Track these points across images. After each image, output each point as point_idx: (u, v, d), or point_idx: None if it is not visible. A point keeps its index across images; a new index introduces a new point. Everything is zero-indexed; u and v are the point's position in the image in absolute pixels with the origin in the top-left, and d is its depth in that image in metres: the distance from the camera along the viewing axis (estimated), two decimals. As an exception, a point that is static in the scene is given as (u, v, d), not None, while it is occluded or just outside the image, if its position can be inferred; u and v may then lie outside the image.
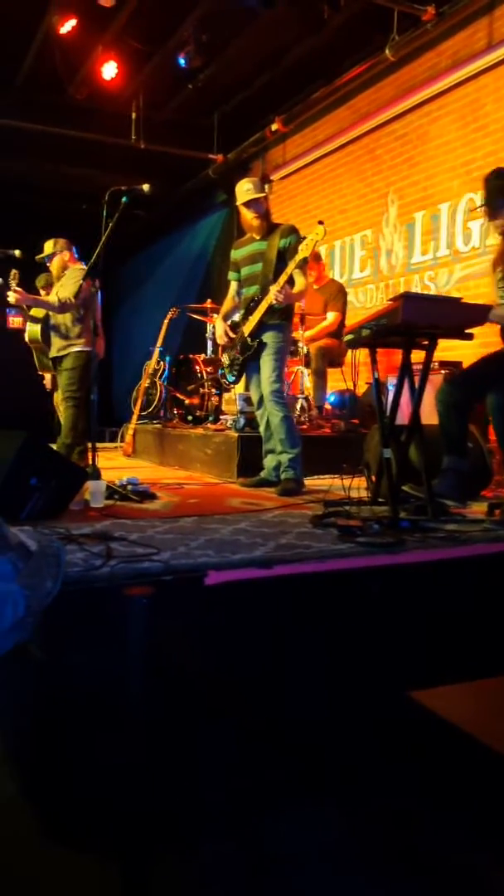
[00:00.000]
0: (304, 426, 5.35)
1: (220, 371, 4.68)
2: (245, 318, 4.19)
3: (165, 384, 6.53)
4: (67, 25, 6.06)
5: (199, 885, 1.83)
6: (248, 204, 4.12)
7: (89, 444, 4.12)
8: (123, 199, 3.85)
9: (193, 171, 8.70)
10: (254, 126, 7.96)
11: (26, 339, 5.16)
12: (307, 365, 5.70)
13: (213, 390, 5.97)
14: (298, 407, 5.45)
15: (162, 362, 6.61)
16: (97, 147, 8.04)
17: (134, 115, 7.83)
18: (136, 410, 6.52)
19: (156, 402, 6.50)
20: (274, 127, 7.62)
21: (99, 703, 1.98)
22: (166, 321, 6.73)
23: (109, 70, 6.74)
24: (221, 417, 5.62)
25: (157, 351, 6.65)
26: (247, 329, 4.15)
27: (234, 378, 4.40)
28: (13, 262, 4.93)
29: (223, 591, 2.17)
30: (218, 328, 4.44)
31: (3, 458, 2.90)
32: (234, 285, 4.45)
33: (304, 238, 4.02)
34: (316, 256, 6.17)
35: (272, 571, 2.28)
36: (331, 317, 5.92)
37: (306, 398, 5.53)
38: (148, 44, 6.67)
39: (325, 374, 5.73)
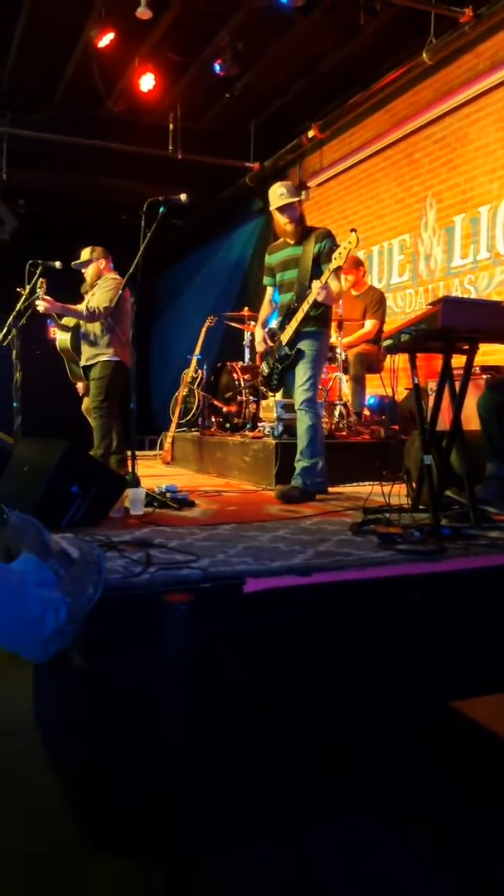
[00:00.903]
0: (343, 432, 5.31)
1: (259, 378, 4.67)
2: (282, 326, 4.17)
3: (203, 392, 6.56)
4: (105, 39, 6.15)
5: (239, 889, 1.82)
6: (281, 209, 4.09)
7: (128, 453, 4.15)
8: (161, 209, 3.88)
9: (230, 180, 8.75)
10: (290, 133, 7.97)
11: (57, 347, 5.20)
12: (345, 371, 5.67)
13: (251, 398, 5.98)
14: (337, 413, 5.42)
15: (200, 370, 6.64)
16: (135, 158, 8.13)
17: (171, 126, 7.91)
18: (175, 418, 6.56)
19: (194, 410, 6.53)
20: (310, 133, 7.62)
21: (138, 709, 1.98)
22: (204, 329, 6.76)
23: (147, 82, 6.82)
24: (259, 425, 5.62)
25: (194, 359, 6.68)
26: (284, 338, 4.13)
27: (274, 387, 4.39)
28: (54, 273, 4.99)
29: (262, 599, 2.16)
30: (257, 335, 4.44)
31: (44, 467, 2.94)
32: (269, 290, 4.42)
33: (338, 246, 4.00)
34: (356, 262, 6.13)
35: (311, 579, 2.27)
36: (369, 325, 5.88)
37: (345, 404, 5.50)
38: (185, 55, 6.74)
39: (363, 380, 5.69)
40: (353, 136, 7.56)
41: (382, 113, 7.08)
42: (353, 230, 3.96)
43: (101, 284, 4.87)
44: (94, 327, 4.82)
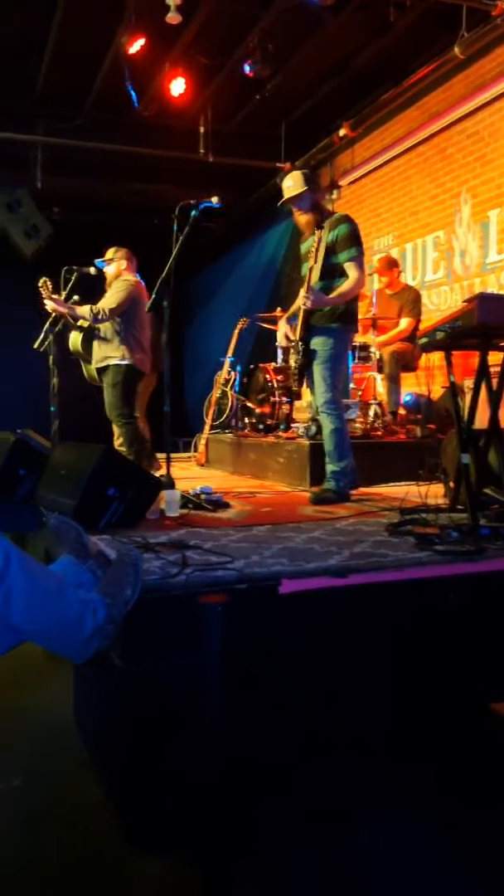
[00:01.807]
0: (378, 432, 5.28)
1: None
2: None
3: (236, 394, 6.57)
4: (136, 45, 6.21)
5: (279, 889, 1.82)
6: (289, 202, 3.94)
7: (159, 454, 4.14)
8: (193, 212, 3.89)
9: (261, 181, 8.75)
10: (321, 132, 7.95)
11: (70, 349, 5.21)
12: (380, 370, 5.63)
13: (284, 398, 5.97)
14: (372, 413, 5.39)
15: (233, 372, 6.65)
16: (166, 162, 8.19)
17: (202, 129, 7.95)
18: (209, 420, 6.58)
19: (227, 412, 6.54)
20: (342, 132, 7.58)
21: (176, 709, 1.99)
22: (236, 331, 6.77)
23: (177, 86, 6.86)
24: (293, 425, 5.61)
25: (227, 361, 6.69)
26: (297, 333, 3.98)
27: (297, 383, 4.21)
28: (89, 279, 5.05)
29: (298, 600, 2.16)
30: (279, 329, 4.30)
31: (82, 470, 2.97)
32: None
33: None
34: (390, 263, 6.08)
35: (347, 580, 2.25)
36: (403, 323, 5.83)
37: (379, 403, 5.46)
38: (215, 58, 6.76)
39: (398, 378, 5.64)
40: (384, 134, 7.51)
41: (414, 109, 7.02)
42: (319, 227, 3.78)
43: (115, 286, 4.87)
44: (105, 329, 4.79)
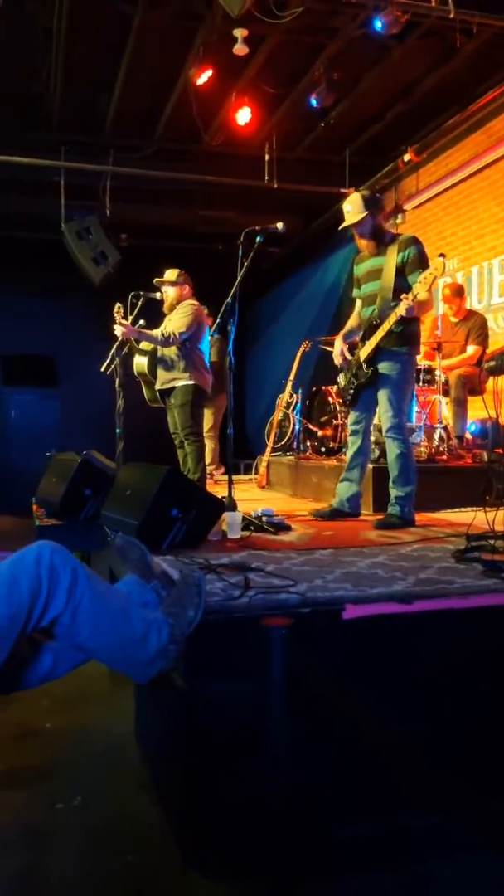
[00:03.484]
0: (444, 456, 5.18)
1: (336, 388, 4.56)
2: (363, 341, 3.97)
3: (298, 416, 6.57)
4: (204, 76, 6.36)
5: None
6: (352, 226, 3.94)
7: (221, 477, 4.18)
8: (258, 238, 3.95)
9: (325, 207, 8.80)
10: (386, 158, 7.97)
11: (134, 371, 5.28)
12: (446, 393, 5.54)
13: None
14: (437, 437, 5.30)
15: (295, 395, 6.66)
16: (232, 189, 8.33)
17: (267, 157, 8.06)
18: (270, 443, 6.59)
19: (289, 435, 6.54)
20: (406, 157, 7.57)
21: (237, 731, 1.98)
22: (299, 354, 6.78)
23: (243, 116, 6.99)
24: (355, 449, 5.55)
25: (289, 384, 6.71)
26: (363, 354, 3.93)
27: (349, 402, 4.17)
28: (154, 304, 5.16)
29: (362, 626, 2.12)
30: (335, 347, 4.26)
31: (146, 491, 3.01)
32: (358, 303, 4.21)
33: (425, 254, 3.85)
34: (458, 291, 6.01)
35: (412, 607, 2.21)
36: (471, 350, 5.73)
37: (445, 427, 5.37)
38: (280, 87, 6.87)
39: (465, 402, 5.55)
40: (449, 158, 7.47)
41: (480, 133, 6.97)
42: (441, 255, 3.79)
43: (180, 310, 4.99)
44: (170, 352, 4.91)
